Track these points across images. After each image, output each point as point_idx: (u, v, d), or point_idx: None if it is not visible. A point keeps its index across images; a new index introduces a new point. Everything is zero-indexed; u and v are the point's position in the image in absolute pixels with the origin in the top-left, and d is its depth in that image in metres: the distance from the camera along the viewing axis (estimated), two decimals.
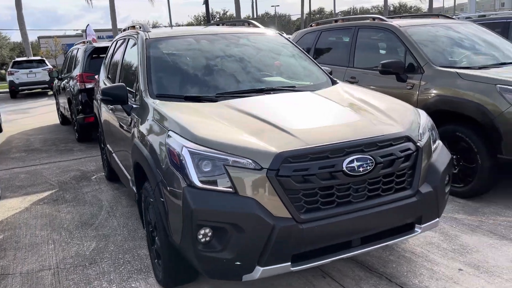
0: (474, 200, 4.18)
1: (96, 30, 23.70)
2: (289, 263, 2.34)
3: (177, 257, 2.68)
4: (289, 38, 5.26)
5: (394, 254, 3.26)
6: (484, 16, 7.77)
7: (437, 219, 2.79)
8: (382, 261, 3.16)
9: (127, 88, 3.49)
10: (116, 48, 4.90)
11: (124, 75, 4.13)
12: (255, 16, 67.94)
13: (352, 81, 5.42)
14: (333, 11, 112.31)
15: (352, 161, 2.39)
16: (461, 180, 4.25)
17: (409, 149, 2.61)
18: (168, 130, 2.61)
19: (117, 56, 4.64)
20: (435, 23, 5.38)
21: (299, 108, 3.02)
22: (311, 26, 6.81)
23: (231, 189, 2.30)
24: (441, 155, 2.93)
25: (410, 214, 2.64)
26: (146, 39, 3.73)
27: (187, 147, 2.39)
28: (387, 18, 5.65)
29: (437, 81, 4.41)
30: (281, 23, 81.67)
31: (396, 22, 5.19)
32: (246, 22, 4.85)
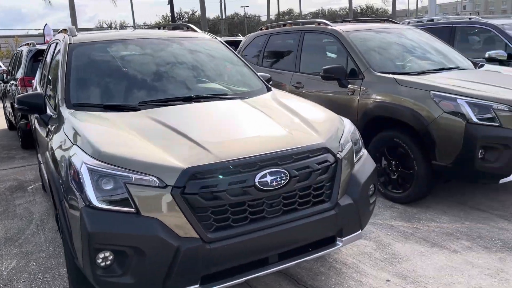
0: (412, 206, 4.18)
1: (56, 30, 22.86)
2: (198, 286, 2.24)
3: (84, 280, 2.41)
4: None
5: (325, 265, 3.19)
6: (432, 20, 7.89)
7: (360, 231, 2.74)
8: (312, 273, 3.09)
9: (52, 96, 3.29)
10: (47, 52, 4.68)
11: (48, 81, 3.92)
12: (223, 17, 67.75)
13: (298, 86, 5.37)
14: (302, 12, 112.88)
15: (265, 175, 2.31)
16: (400, 186, 4.25)
17: (327, 161, 2.53)
18: (73, 144, 2.47)
19: (47, 61, 4.43)
20: (379, 28, 5.38)
21: (222, 118, 2.94)
22: (261, 29, 6.73)
23: (132, 209, 2.17)
24: (364, 165, 2.87)
25: (330, 227, 2.58)
26: (69, 44, 3.55)
27: (86, 163, 2.25)
28: (334, 22, 5.64)
29: (376, 87, 4.39)
30: (250, 24, 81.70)
31: (340, 27, 5.16)
32: (185, 26, 4.72)
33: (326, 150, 2.54)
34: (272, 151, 2.40)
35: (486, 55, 6.14)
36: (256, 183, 2.28)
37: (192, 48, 3.96)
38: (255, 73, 3.90)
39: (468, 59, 5.24)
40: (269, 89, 3.66)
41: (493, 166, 3.62)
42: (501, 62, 6.13)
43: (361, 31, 5.13)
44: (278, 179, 2.33)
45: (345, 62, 4.82)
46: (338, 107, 4.77)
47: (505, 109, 3.63)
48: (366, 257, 3.28)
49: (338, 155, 2.58)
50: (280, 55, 5.98)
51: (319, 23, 5.49)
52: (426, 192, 4.15)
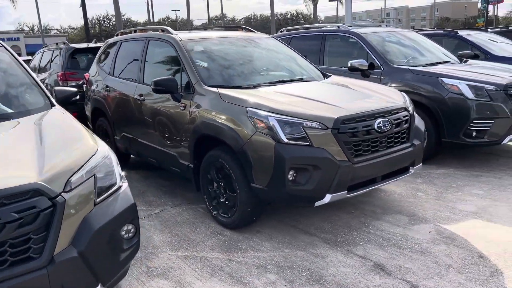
0: (241, 231, 3.83)
1: None
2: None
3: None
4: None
5: None
6: (308, 28, 7.76)
7: (98, 286, 2.27)
8: None
9: None
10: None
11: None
12: (151, 21, 65.99)
13: (140, 98, 4.87)
14: (235, 17, 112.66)
15: None
16: (228, 210, 3.87)
17: (35, 206, 2.03)
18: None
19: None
20: (227, 37, 5.02)
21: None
22: (116, 35, 6.17)
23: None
24: (112, 204, 2.38)
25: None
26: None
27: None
28: (193, 29, 5.23)
29: (204, 101, 3.99)
30: (183, 28, 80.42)
31: (181, 35, 4.73)
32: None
33: (38, 192, 2.06)
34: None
35: (348, 65, 6.05)
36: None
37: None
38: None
39: (318, 70, 5.04)
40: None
41: (305, 188, 3.33)
42: (363, 72, 6.05)
43: (202, 40, 4.73)
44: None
45: (180, 74, 4.40)
46: (173, 124, 4.36)
47: (316, 126, 3.36)
48: None
49: (59, 197, 2.12)
50: (128, 63, 5.45)
51: (162, 30, 5.04)
52: (251, 216, 3.80)
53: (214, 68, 4.41)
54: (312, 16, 51.41)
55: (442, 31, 9.15)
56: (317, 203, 3.42)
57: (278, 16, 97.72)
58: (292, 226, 3.92)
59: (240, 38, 5.05)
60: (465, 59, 6.70)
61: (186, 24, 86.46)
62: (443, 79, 5.28)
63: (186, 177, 4.33)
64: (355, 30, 6.57)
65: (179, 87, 4.26)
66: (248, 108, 3.53)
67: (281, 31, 8.06)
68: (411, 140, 3.88)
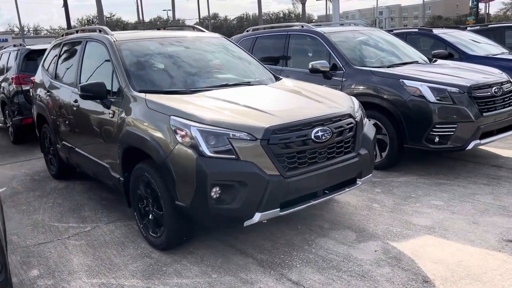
0: (170, 253, 3.47)
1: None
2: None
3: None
4: None
5: None
6: (273, 27, 7.42)
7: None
8: None
9: None
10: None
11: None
12: (141, 21, 65.46)
13: (75, 104, 4.50)
14: (227, 16, 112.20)
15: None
16: (157, 230, 3.52)
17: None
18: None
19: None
20: (177, 37, 4.63)
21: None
22: (62, 36, 5.78)
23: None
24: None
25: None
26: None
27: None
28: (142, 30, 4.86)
29: (130, 109, 3.63)
30: (176, 28, 79.93)
31: (117, 36, 4.36)
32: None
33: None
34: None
35: (309, 66, 5.72)
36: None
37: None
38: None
39: (271, 72, 4.69)
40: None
41: (230, 207, 2.98)
42: (324, 74, 5.72)
43: (139, 41, 4.36)
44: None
45: (111, 78, 4.03)
46: (103, 132, 4.02)
47: (244, 137, 3.01)
48: None
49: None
50: (67, 66, 5.08)
51: (100, 31, 4.67)
52: (179, 237, 3.46)
53: (149, 71, 4.05)
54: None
55: (417, 30, 8.83)
56: (246, 223, 3.08)
57: (271, 15, 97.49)
58: (230, 245, 3.57)
59: (186, 39, 4.70)
60: (434, 59, 6.38)
61: (178, 23, 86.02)
62: (405, 81, 4.95)
63: (119, 190, 3.97)
64: (318, 29, 6.23)
65: (111, 92, 3.91)
66: (171, 117, 3.18)
67: (247, 31, 7.71)
68: (357, 149, 3.54)
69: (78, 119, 4.50)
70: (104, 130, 3.99)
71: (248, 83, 4.22)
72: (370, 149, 3.67)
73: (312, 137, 3.19)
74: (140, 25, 66.59)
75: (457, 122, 4.72)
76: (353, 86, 5.41)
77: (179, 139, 3.07)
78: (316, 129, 3.22)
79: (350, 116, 3.53)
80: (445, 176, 4.98)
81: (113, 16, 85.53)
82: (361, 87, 5.33)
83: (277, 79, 4.57)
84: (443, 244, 3.41)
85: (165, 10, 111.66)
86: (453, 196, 4.38)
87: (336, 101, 3.72)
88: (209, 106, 3.35)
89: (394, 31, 9.17)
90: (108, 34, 4.37)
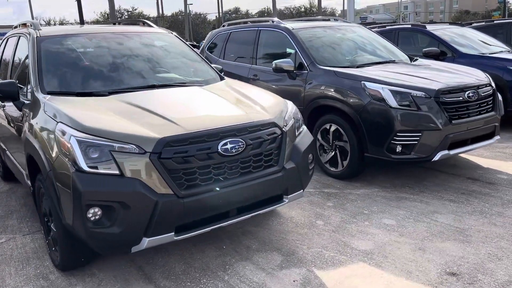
0: (69, 275, 3.13)
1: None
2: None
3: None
4: None
5: None
6: (247, 23, 6.97)
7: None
8: None
9: None
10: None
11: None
12: (161, 14, 65.67)
13: (1, 104, 4.20)
14: (248, 10, 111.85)
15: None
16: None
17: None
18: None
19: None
20: (102, 33, 4.23)
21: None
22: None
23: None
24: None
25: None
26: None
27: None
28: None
29: (33, 113, 3.27)
30: (195, 22, 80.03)
31: (45, 30, 4.03)
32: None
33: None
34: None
35: (273, 65, 5.31)
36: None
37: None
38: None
39: (217, 72, 4.30)
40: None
41: (110, 231, 2.60)
42: (289, 74, 5.30)
43: (65, 37, 4.00)
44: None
45: (27, 76, 3.69)
46: (16, 136, 3.68)
47: (131, 150, 2.62)
48: None
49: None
50: (5, 63, 4.78)
51: (25, 24, 4.35)
52: (75, 258, 3.09)
53: (67, 71, 3.69)
54: (338, 9, 50.15)
55: (410, 26, 8.23)
56: (134, 249, 2.70)
57: (291, 9, 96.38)
58: (139, 267, 3.20)
59: (123, 34, 4.32)
60: (415, 58, 5.84)
61: (198, 18, 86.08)
62: (366, 83, 4.46)
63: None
64: (286, 25, 5.77)
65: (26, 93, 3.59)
66: (58, 124, 2.82)
67: (223, 25, 7.31)
68: (281, 163, 3.10)
69: (3, 121, 4.21)
70: (18, 135, 3.67)
71: (182, 84, 3.83)
72: (300, 162, 3.23)
73: (219, 149, 2.77)
74: (160, 19, 66.81)
75: (421, 130, 4.22)
76: (315, 88, 4.96)
77: (61, 150, 2.70)
78: (224, 141, 2.80)
79: (274, 125, 3.10)
80: (410, 189, 4.49)
81: (135, 10, 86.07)
82: (323, 89, 4.87)
83: (221, 78, 4.18)
84: (374, 275, 2.96)
85: (187, 4, 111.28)
86: (409, 214, 3.90)
87: (265, 107, 3.30)
88: (109, 111, 2.97)
89: (387, 27, 8.62)
90: (36, 29, 4.03)
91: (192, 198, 2.69)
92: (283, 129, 3.15)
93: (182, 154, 2.67)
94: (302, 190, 3.33)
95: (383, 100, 4.28)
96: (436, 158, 4.28)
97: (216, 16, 69.11)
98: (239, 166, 2.90)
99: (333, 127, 4.78)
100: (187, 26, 45.88)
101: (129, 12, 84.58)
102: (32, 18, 34.56)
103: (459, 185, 4.53)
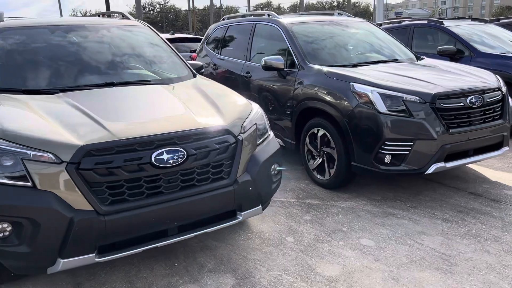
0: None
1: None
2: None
3: None
4: None
5: None
6: (244, 16, 6.59)
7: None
8: None
9: None
10: None
11: None
12: (191, 8, 65.84)
13: None
14: (280, 4, 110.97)
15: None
16: None
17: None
18: None
19: None
20: (64, 26, 3.91)
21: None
22: None
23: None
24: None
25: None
26: None
27: None
28: None
29: None
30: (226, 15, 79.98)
31: (6, 23, 3.80)
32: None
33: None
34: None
35: (262, 62, 4.97)
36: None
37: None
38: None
39: (190, 69, 3.97)
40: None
41: (18, 251, 2.30)
42: (279, 72, 4.92)
43: (22, 29, 3.75)
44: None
45: None
46: None
47: (47, 159, 2.31)
48: None
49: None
50: None
51: None
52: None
53: (17, 66, 3.41)
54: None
55: (426, 21, 7.64)
56: (49, 270, 2.40)
57: (324, 3, 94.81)
58: (77, 284, 2.91)
59: (96, 27, 4.04)
60: (422, 57, 5.32)
61: (230, 11, 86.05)
62: (354, 84, 4.02)
63: None
64: (281, 19, 5.36)
65: None
66: None
67: (222, 19, 6.96)
68: (233, 176, 2.74)
69: None
70: None
71: (145, 82, 3.51)
72: (258, 174, 2.86)
73: (152, 160, 2.44)
74: (191, 12, 67.04)
75: (413, 139, 3.76)
76: (304, 88, 4.54)
77: None
78: (160, 150, 2.46)
79: (227, 132, 2.77)
80: (402, 203, 4.03)
81: (167, 3, 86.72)
82: (311, 89, 4.45)
83: (194, 76, 3.87)
84: None
85: None
86: (393, 234, 3.46)
87: (223, 112, 2.96)
88: (43, 112, 2.69)
89: (403, 23, 8.05)
90: None
91: (116, 216, 2.38)
92: (239, 136, 2.81)
93: (106, 165, 2.35)
94: (260, 206, 2.97)
95: (372, 104, 3.83)
96: (430, 171, 3.81)
97: (246, 10, 68.63)
98: (179, 179, 2.57)
99: (321, 132, 4.37)
100: (212, 19, 45.78)
101: (161, 5, 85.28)
102: (60, 11, 35.14)
103: (457, 201, 4.04)
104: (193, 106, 3.01)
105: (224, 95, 3.40)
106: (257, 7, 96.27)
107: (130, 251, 2.50)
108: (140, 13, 25.97)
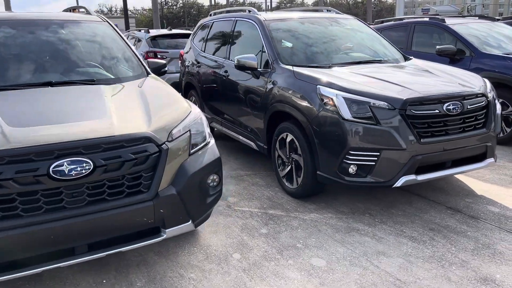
0: None
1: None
2: None
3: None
4: None
5: None
6: (229, 12, 6.30)
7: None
8: None
9: None
10: None
11: None
12: (212, 3, 65.75)
13: None
14: (303, 0, 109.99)
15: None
16: None
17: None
18: None
19: None
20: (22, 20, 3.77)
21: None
22: None
23: None
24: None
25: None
26: None
27: None
28: None
29: None
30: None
31: None
32: (83, 7, 4.53)
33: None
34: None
35: (234, 61, 4.68)
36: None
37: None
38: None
39: (145, 69, 3.73)
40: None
41: None
42: (253, 72, 4.64)
43: None
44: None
45: None
46: None
47: None
48: None
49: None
50: None
51: None
52: None
53: None
54: None
55: (428, 19, 7.19)
56: None
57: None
58: None
59: (47, 22, 3.82)
60: (411, 58, 4.94)
61: (253, 7, 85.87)
62: (321, 87, 3.70)
63: None
64: (259, 15, 5.06)
65: None
66: None
67: (210, 14, 6.69)
68: (154, 190, 2.48)
69: None
70: None
71: (88, 82, 3.30)
72: (186, 188, 2.59)
73: (50, 172, 2.20)
74: (212, 8, 67.08)
75: (380, 149, 3.42)
76: (275, 90, 4.25)
77: None
78: (60, 161, 2.22)
79: (148, 140, 2.50)
80: (371, 217, 3.70)
81: None
82: (281, 91, 4.15)
83: (148, 74, 3.68)
84: None
85: None
86: (350, 253, 3.15)
87: (151, 116, 2.70)
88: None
89: (404, 20, 7.62)
90: None
91: (7, 233, 2.14)
92: (163, 145, 2.55)
93: None
94: (190, 222, 2.70)
95: (336, 110, 3.51)
96: (399, 184, 3.47)
97: (267, 6, 68.20)
98: (85, 192, 2.33)
99: (289, 137, 4.07)
100: None
101: (184, 1, 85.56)
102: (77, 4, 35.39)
103: (432, 217, 3.68)
104: (121, 110, 2.74)
105: (163, 98, 3.15)
106: (280, 3, 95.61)
107: (26, 272, 2.27)
108: (156, 8, 25.88)
